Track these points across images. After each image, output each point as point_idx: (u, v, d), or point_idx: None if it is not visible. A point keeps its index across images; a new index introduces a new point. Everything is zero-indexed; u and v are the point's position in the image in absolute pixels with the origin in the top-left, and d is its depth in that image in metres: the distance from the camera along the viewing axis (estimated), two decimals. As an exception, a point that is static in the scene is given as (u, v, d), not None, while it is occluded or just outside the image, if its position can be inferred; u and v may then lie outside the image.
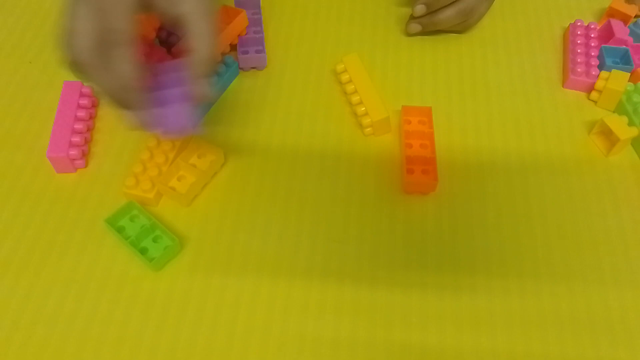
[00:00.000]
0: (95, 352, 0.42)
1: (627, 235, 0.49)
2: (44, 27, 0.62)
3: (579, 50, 0.59)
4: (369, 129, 0.53)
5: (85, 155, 0.51)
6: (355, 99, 0.54)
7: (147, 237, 0.47)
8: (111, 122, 0.54)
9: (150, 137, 0.51)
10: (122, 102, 0.38)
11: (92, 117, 0.54)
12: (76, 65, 0.37)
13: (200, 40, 0.38)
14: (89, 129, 0.53)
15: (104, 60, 0.36)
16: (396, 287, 0.45)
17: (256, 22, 0.60)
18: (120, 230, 0.47)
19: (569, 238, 0.48)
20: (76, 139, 0.50)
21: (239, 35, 0.58)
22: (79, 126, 0.51)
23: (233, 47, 0.58)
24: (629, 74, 0.56)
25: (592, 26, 0.61)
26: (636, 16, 0.63)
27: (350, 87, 0.55)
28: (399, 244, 0.48)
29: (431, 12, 0.59)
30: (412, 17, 0.60)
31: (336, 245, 0.47)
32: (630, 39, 0.59)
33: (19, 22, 0.63)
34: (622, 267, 0.47)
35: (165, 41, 0.59)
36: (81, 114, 0.52)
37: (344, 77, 0.56)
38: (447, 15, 0.59)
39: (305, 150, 0.53)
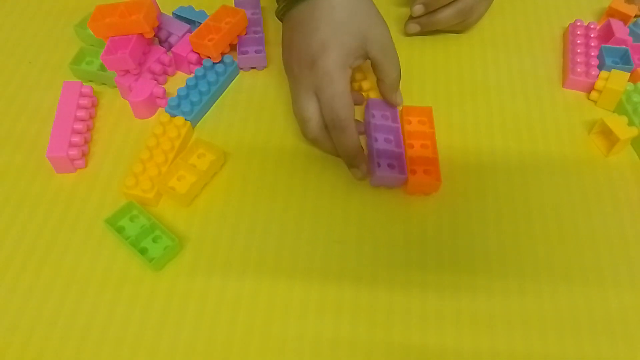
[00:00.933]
0: (95, 352, 0.42)
1: (627, 235, 0.49)
2: (44, 27, 0.62)
3: (578, 50, 0.59)
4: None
5: (85, 155, 0.51)
6: (359, 75, 0.56)
7: (147, 237, 0.47)
8: (111, 122, 0.54)
9: (150, 137, 0.51)
10: (348, 163, 0.50)
11: (91, 117, 0.54)
12: (311, 140, 0.51)
13: (387, 75, 0.50)
14: (89, 129, 0.53)
15: (333, 136, 0.49)
16: (396, 287, 0.45)
17: (256, 22, 0.60)
18: (120, 230, 0.47)
19: (569, 238, 0.48)
20: (76, 139, 0.50)
21: (238, 35, 0.58)
22: (78, 126, 0.51)
23: (233, 47, 0.58)
24: (629, 73, 0.56)
25: (592, 26, 0.61)
26: (636, 16, 0.63)
27: None
28: (399, 243, 0.48)
29: (430, 12, 0.59)
30: (411, 17, 0.60)
31: (336, 246, 0.47)
32: (630, 39, 0.59)
33: (19, 22, 0.63)
34: (622, 267, 0.47)
35: (165, 41, 0.59)
36: (81, 114, 0.52)
37: None
38: (446, 15, 0.58)
39: (305, 150, 0.53)
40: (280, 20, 0.53)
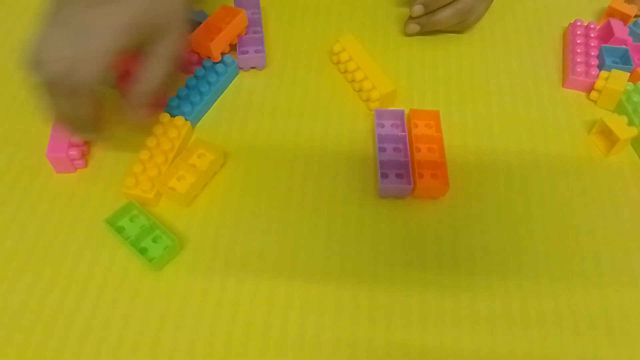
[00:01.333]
0: (95, 352, 0.42)
1: (627, 235, 0.49)
2: (44, 27, 0.62)
3: (578, 50, 0.59)
4: (376, 103, 0.55)
5: (85, 155, 0.51)
6: (359, 75, 0.55)
7: (147, 237, 0.47)
8: (111, 122, 0.54)
9: (151, 137, 0.51)
10: (74, 128, 0.44)
11: (92, 117, 0.54)
12: (42, 86, 0.41)
13: (142, 80, 0.44)
14: (89, 129, 0.53)
15: (70, 93, 0.40)
16: (396, 287, 0.45)
17: (256, 22, 0.60)
18: (120, 230, 0.47)
19: (569, 238, 0.48)
20: (76, 139, 0.50)
21: (238, 35, 0.58)
22: None
23: (233, 47, 0.58)
24: (629, 73, 0.56)
25: (592, 26, 0.61)
26: (636, 16, 0.63)
27: (352, 65, 0.56)
28: (399, 243, 0.48)
29: (429, 12, 0.59)
30: (411, 18, 0.60)
31: (336, 246, 0.47)
32: (629, 39, 0.59)
33: (18, 22, 0.63)
34: (622, 267, 0.47)
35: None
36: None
37: (344, 56, 0.57)
38: (445, 15, 0.58)
39: (305, 150, 0.53)
40: None
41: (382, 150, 0.51)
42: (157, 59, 0.44)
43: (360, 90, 0.56)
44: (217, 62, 0.56)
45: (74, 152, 0.50)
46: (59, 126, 0.45)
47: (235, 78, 0.58)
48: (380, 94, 0.54)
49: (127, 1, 0.41)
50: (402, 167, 0.50)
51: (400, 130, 0.53)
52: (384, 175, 0.50)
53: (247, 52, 0.58)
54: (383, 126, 0.54)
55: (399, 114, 0.53)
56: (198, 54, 0.57)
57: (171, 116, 0.53)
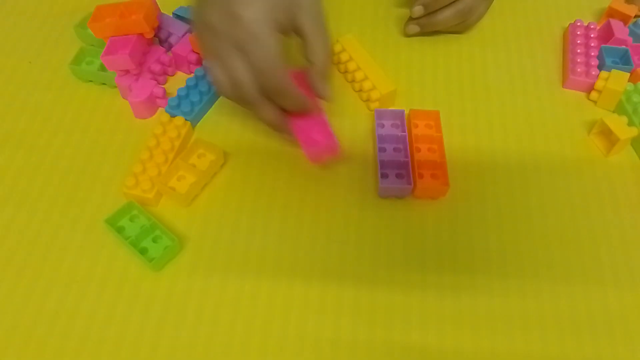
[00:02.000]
0: (95, 352, 0.42)
1: (627, 235, 0.49)
2: (44, 27, 0.62)
3: (578, 50, 0.59)
4: (376, 103, 0.54)
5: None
6: (359, 75, 0.55)
7: (147, 237, 0.47)
8: (111, 122, 0.54)
9: (150, 137, 0.51)
10: (273, 128, 0.48)
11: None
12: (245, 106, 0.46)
13: (318, 54, 0.45)
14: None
15: (276, 101, 0.44)
16: (396, 287, 0.45)
17: (256, 22, 0.60)
18: (120, 230, 0.47)
19: (569, 238, 0.48)
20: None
21: (238, 35, 0.58)
22: None
23: (233, 47, 0.58)
24: (629, 74, 0.56)
25: (592, 26, 0.61)
26: (636, 16, 0.63)
27: (352, 65, 0.56)
28: (399, 244, 0.48)
29: (430, 13, 0.59)
30: (411, 18, 0.60)
31: (336, 246, 0.47)
32: (629, 39, 0.59)
33: (19, 22, 0.63)
34: (622, 267, 0.47)
35: (165, 41, 0.59)
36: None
37: (344, 57, 0.57)
38: (446, 16, 0.58)
39: (305, 150, 0.53)
40: None
41: (382, 150, 0.51)
42: (313, 32, 0.44)
43: (361, 90, 0.56)
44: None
45: None
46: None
47: (236, 78, 0.58)
48: (380, 94, 0.54)
49: None
50: (402, 167, 0.50)
51: (400, 130, 0.53)
52: (384, 175, 0.50)
53: (247, 52, 0.58)
54: (383, 126, 0.54)
55: (399, 114, 0.54)
56: (198, 54, 0.57)
57: (171, 116, 0.53)
